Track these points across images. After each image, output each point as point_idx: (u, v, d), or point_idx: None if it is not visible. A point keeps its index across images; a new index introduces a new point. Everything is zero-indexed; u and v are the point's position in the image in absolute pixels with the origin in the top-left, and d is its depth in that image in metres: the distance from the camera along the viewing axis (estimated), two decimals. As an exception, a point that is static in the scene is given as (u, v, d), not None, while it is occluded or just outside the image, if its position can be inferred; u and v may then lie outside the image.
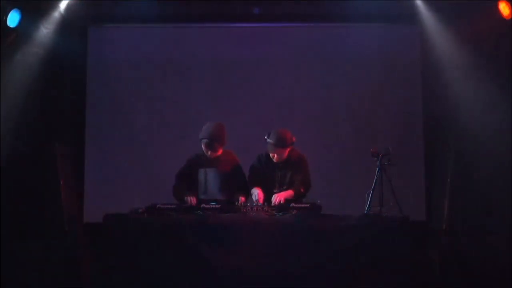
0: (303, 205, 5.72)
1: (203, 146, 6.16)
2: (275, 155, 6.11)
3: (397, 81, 7.79)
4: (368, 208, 5.82)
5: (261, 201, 5.86)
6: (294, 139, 6.09)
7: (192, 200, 5.98)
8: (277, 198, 5.91)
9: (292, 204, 5.70)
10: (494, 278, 6.12)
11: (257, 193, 5.96)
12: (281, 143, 6.04)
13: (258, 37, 7.88)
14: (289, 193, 6.05)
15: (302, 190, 6.12)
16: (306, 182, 6.18)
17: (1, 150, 6.82)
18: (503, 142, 7.02)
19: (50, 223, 6.84)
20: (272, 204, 5.81)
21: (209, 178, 6.20)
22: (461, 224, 6.72)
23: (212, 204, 5.71)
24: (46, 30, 7.14)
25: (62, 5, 7.22)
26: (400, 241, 5.47)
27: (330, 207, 5.97)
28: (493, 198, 7.02)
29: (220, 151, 6.20)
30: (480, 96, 7.25)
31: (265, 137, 6.09)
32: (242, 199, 6.05)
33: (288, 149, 6.12)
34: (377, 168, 5.88)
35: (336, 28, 7.89)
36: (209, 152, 6.15)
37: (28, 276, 6.33)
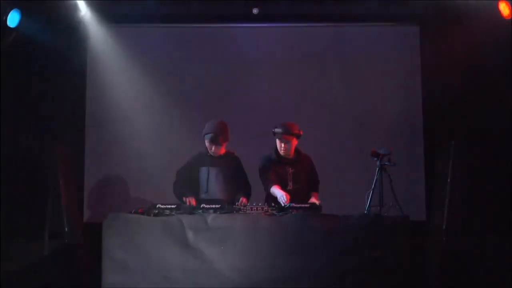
0: (303, 205, 5.72)
1: (206, 142, 6.17)
2: (283, 145, 6.15)
3: (397, 81, 7.78)
4: (368, 208, 5.82)
5: (287, 202, 5.80)
6: (301, 132, 6.17)
7: (191, 201, 5.98)
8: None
9: (292, 204, 5.70)
10: (494, 278, 6.12)
11: (283, 195, 5.88)
12: (289, 130, 6.12)
13: (258, 37, 7.88)
14: (316, 196, 6.26)
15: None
16: (318, 182, 6.39)
17: (1, 150, 6.82)
18: (503, 141, 7.03)
19: (50, 223, 6.84)
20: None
21: (211, 177, 6.20)
22: (461, 224, 6.71)
23: (212, 204, 5.71)
24: (46, 30, 7.14)
25: (66, 5, 7.23)
26: (400, 241, 5.47)
27: (330, 207, 5.97)
28: (493, 198, 7.02)
29: (223, 148, 6.20)
30: (481, 96, 7.27)
31: (273, 129, 6.17)
32: (243, 199, 6.05)
33: (296, 141, 6.19)
34: (377, 168, 5.88)
35: (336, 28, 7.88)
36: (213, 148, 6.15)
37: (28, 276, 6.33)
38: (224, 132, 6.13)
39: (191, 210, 5.72)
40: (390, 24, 7.82)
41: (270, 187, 6.09)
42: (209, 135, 6.11)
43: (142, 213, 5.66)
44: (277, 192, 5.97)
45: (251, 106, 7.78)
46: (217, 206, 5.67)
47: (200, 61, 7.83)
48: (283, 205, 5.75)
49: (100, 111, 7.79)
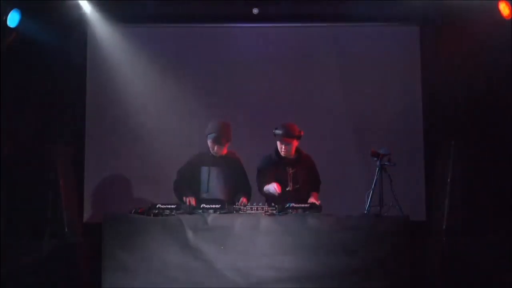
0: (303, 205, 5.72)
1: (209, 142, 6.18)
2: (283, 147, 6.14)
3: (397, 81, 7.78)
4: (368, 208, 5.82)
5: (279, 190, 5.87)
6: (302, 132, 6.15)
7: (191, 201, 5.98)
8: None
9: (292, 204, 5.70)
10: (494, 278, 6.12)
11: (273, 184, 5.96)
12: (290, 133, 6.10)
13: (258, 37, 7.88)
14: (316, 196, 6.20)
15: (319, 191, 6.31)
16: (319, 182, 6.35)
17: (1, 150, 6.83)
18: (503, 141, 7.03)
19: (50, 223, 6.84)
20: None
21: (212, 177, 6.21)
22: (461, 224, 6.72)
23: (212, 204, 5.71)
24: (45, 30, 7.14)
25: (66, 5, 7.22)
26: (400, 241, 5.47)
27: (330, 207, 5.97)
28: (493, 198, 7.02)
29: (226, 149, 6.21)
30: (481, 96, 7.27)
31: (273, 131, 6.14)
32: (243, 199, 6.05)
33: (296, 143, 6.17)
34: (377, 168, 5.89)
35: (336, 28, 7.88)
36: (215, 148, 6.17)
37: (28, 276, 6.33)
38: (227, 133, 6.15)
39: (191, 210, 5.72)
40: (390, 24, 7.82)
41: (263, 187, 6.12)
42: (212, 135, 6.13)
43: (142, 213, 5.66)
44: (269, 186, 6.02)
45: (251, 106, 7.77)
46: (217, 206, 5.68)
47: (200, 61, 7.82)
48: (274, 192, 5.85)
49: (100, 111, 7.78)
